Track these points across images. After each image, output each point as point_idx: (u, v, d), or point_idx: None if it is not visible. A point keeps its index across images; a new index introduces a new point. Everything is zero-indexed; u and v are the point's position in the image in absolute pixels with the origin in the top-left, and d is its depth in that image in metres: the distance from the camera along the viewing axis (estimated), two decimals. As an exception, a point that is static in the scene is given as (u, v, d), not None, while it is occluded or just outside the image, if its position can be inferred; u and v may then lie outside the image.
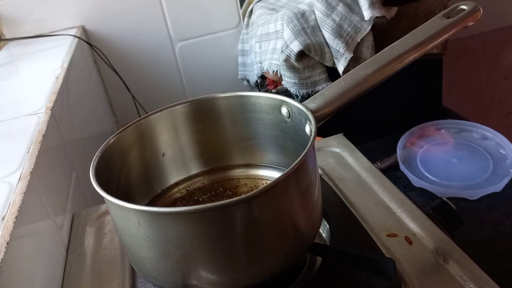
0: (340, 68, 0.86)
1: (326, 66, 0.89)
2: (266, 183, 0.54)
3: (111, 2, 1.13)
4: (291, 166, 0.39)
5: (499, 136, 0.95)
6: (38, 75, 0.83)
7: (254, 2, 1.12)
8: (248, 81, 1.17)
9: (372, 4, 0.84)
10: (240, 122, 0.55)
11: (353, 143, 0.68)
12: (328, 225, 0.52)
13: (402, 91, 1.01)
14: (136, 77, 1.20)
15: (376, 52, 0.57)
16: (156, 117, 0.53)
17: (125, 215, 0.40)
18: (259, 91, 1.04)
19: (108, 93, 1.21)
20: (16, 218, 0.43)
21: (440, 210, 0.61)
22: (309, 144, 0.41)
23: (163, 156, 0.55)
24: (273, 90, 0.98)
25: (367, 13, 0.85)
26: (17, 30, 1.10)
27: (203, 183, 0.56)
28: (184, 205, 0.53)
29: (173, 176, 0.57)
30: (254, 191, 0.37)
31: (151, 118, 0.53)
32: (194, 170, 0.57)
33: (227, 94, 0.54)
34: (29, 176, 0.50)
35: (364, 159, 0.64)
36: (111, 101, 1.22)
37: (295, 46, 0.85)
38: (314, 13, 0.88)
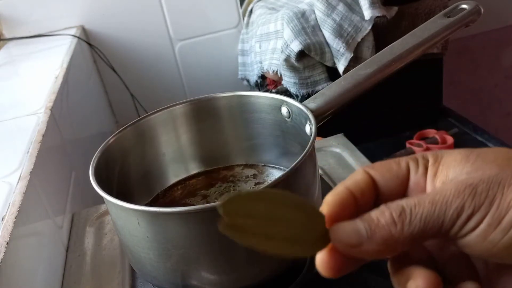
0: (340, 68, 0.86)
1: (326, 66, 0.89)
2: (266, 183, 0.54)
3: (111, 2, 1.13)
4: (291, 166, 0.39)
5: None
6: (38, 75, 0.83)
7: (254, 1, 1.12)
8: (248, 81, 1.17)
9: (372, 4, 0.84)
10: (240, 122, 0.55)
11: (353, 143, 0.68)
12: (328, 225, 0.52)
13: (402, 91, 1.01)
14: (136, 77, 1.20)
15: (376, 52, 0.57)
16: (156, 117, 0.53)
17: (125, 215, 0.40)
18: (259, 91, 1.04)
19: (107, 93, 1.21)
20: (16, 218, 0.43)
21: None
22: (309, 144, 0.41)
23: (163, 156, 0.55)
24: (273, 90, 0.98)
25: (367, 13, 0.85)
26: (17, 30, 1.10)
27: (203, 183, 0.56)
28: (184, 205, 0.53)
29: (173, 176, 0.56)
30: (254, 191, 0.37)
31: (151, 118, 0.53)
32: (194, 170, 0.57)
33: (227, 94, 0.54)
34: (29, 176, 0.50)
35: (364, 159, 0.64)
36: (110, 101, 1.22)
37: (295, 46, 0.85)
38: (314, 13, 0.88)
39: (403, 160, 0.27)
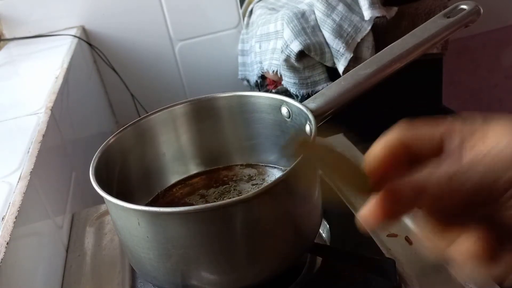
0: (340, 68, 0.86)
1: (326, 66, 0.89)
2: (266, 183, 0.54)
3: (111, 2, 1.13)
4: (291, 166, 0.39)
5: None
6: (38, 75, 0.83)
7: (254, 2, 1.12)
8: (248, 81, 1.17)
9: (372, 4, 0.84)
10: (240, 122, 0.55)
11: (353, 143, 0.68)
12: (328, 225, 0.52)
13: (402, 91, 1.01)
14: (136, 77, 1.20)
15: (376, 52, 0.57)
16: (156, 117, 0.53)
17: (125, 215, 0.40)
18: (259, 91, 1.04)
19: (108, 93, 1.21)
20: (16, 218, 0.43)
21: (440, 210, 0.60)
22: (309, 144, 0.41)
23: (163, 156, 0.55)
24: (273, 90, 0.98)
25: (367, 13, 0.85)
26: (17, 30, 1.10)
27: (203, 183, 0.56)
28: (184, 205, 0.53)
29: (173, 176, 0.56)
30: (254, 191, 0.37)
31: (151, 118, 0.53)
32: (194, 170, 0.57)
33: (227, 94, 0.54)
34: (29, 176, 0.50)
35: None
36: (111, 101, 1.22)
37: (295, 46, 0.85)
38: (314, 13, 0.88)
39: (437, 131, 0.30)
